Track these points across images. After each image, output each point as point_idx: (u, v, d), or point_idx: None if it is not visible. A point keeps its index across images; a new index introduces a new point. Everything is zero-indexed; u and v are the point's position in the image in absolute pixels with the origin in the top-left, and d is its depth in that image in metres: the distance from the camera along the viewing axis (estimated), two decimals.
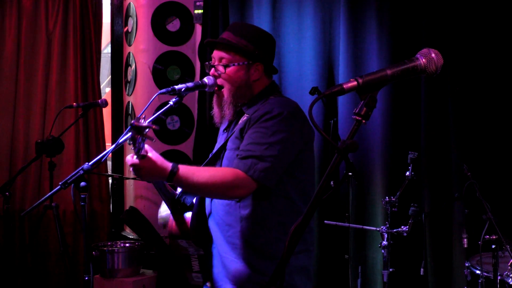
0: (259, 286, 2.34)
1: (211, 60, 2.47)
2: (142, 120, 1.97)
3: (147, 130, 1.96)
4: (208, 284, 2.48)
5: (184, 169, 2.16)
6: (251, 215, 2.35)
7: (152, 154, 2.10)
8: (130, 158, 2.08)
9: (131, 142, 2.00)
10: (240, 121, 2.43)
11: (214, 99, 2.48)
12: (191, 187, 2.24)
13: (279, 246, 2.33)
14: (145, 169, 2.08)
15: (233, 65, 2.40)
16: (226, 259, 2.41)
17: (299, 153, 2.37)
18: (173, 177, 2.13)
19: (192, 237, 2.39)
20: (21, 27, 5.18)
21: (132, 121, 1.95)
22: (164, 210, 2.53)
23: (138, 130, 1.97)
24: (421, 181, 3.53)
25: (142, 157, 2.04)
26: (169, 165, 2.13)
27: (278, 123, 2.30)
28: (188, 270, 2.44)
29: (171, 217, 2.40)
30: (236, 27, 2.49)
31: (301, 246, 2.42)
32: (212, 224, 2.46)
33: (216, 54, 2.45)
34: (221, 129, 2.60)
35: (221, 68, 2.42)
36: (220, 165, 2.42)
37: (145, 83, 5.08)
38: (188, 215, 2.44)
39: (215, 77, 2.43)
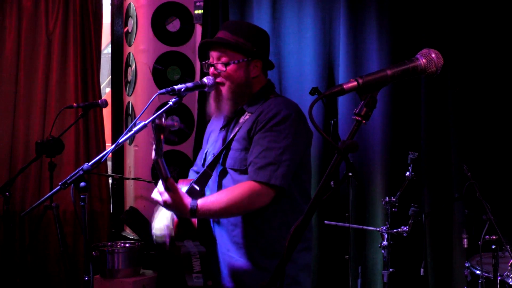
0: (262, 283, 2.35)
1: (208, 60, 2.48)
2: (163, 120, 1.98)
3: (170, 129, 1.98)
4: (209, 283, 2.48)
5: (203, 203, 2.23)
6: (257, 215, 2.36)
7: (175, 194, 2.19)
8: (157, 194, 2.24)
9: (155, 142, 2.00)
10: (242, 120, 2.43)
11: (212, 93, 2.47)
12: (215, 216, 2.35)
13: (283, 244, 2.34)
14: (168, 205, 2.21)
15: (233, 63, 2.41)
16: (231, 258, 2.42)
17: (303, 154, 2.39)
18: (195, 214, 2.22)
19: (199, 237, 2.40)
20: (21, 27, 5.18)
21: (156, 120, 1.96)
22: (158, 228, 2.51)
23: (162, 130, 1.97)
24: (421, 181, 3.53)
25: (160, 159, 2.06)
26: (188, 202, 2.21)
27: (289, 125, 2.33)
28: (188, 271, 2.43)
29: (176, 218, 2.40)
30: (232, 26, 2.51)
31: (303, 244, 2.44)
32: (216, 224, 2.46)
33: (215, 53, 2.45)
34: (215, 126, 2.60)
35: (220, 67, 2.42)
36: (223, 165, 2.43)
37: (145, 83, 5.08)
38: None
39: (215, 75, 2.44)
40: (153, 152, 2.06)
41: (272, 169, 2.27)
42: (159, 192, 2.24)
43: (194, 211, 2.21)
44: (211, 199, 2.27)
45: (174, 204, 2.20)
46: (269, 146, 2.30)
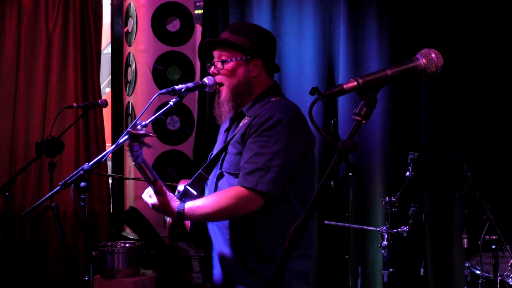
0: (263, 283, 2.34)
1: (212, 60, 2.48)
2: (140, 127, 2.01)
3: (144, 138, 2.01)
4: (208, 285, 2.48)
5: (189, 206, 2.27)
6: (251, 220, 2.35)
7: (163, 197, 2.27)
8: (147, 195, 2.32)
9: (128, 149, 2.05)
10: (241, 124, 2.43)
11: (216, 99, 2.48)
12: (201, 220, 2.37)
13: (278, 250, 2.34)
14: (156, 208, 2.30)
15: (231, 60, 2.41)
16: (226, 261, 2.41)
17: (300, 158, 2.37)
18: (182, 217, 2.27)
19: (191, 239, 2.40)
20: (21, 27, 5.18)
21: (129, 129, 1.99)
22: None
23: (135, 138, 2.01)
24: (421, 181, 3.53)
25: (139, 165, 2.11)
26: (175, 206, 2.27)
27: (281, 130, 2.29)
28: (189, 269, 2.45)
29: (170, 219, 2.41)
30: (233, 26, 2.52)
31: (300, 251, 2.41)
32: (212, 226, 2.46)
33: (216, 53, 2.46)
34: (222, 128, 2.59)
35: (219, 65, 2.42)
36: (220, 167, 2.42)
37: (145, 83, 5.08)
38: None
39: (214, 74, 2.44)
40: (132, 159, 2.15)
41: (260, 175, 2.25)
42: (148, 195, 2.32)
43: (181, 214, 2.25)
44: (198, 204, 2.28)
45: (162, 207, 2.27)
46: (258, 152, 2.28)
